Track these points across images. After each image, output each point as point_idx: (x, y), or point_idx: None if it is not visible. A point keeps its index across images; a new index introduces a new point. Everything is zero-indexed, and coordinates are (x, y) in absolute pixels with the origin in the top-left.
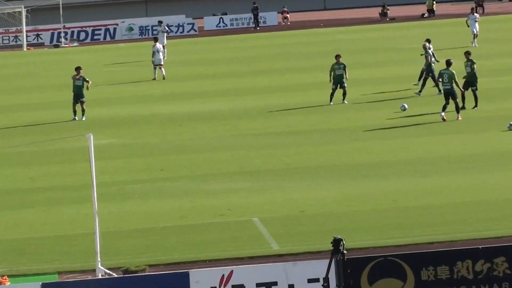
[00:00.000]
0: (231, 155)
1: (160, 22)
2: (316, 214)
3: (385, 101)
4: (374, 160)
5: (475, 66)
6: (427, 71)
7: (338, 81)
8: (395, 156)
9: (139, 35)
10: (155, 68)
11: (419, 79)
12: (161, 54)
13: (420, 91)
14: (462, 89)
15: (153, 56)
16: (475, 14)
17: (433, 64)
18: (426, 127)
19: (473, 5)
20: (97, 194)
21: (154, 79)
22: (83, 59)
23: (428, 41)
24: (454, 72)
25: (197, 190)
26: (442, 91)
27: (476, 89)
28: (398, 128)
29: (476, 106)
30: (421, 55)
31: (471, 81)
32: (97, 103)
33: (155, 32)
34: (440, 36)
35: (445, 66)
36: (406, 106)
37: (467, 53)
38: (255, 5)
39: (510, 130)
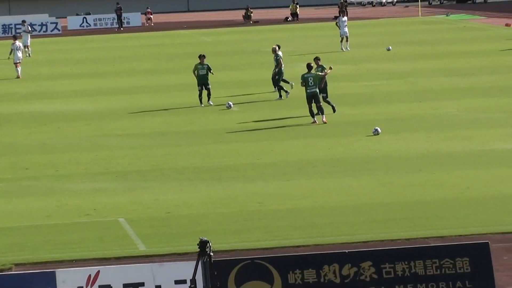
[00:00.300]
0: (96, 155)
1: (23, 22)
2: (182, 216)
3: (249, 103)
4: (240, 162)
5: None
6: (278, 74)
7: (202, 81)
8: (260, 159)
9: (2, 33)
10: (16, 66)
11: (275, 86)
12: (20, 52)
13: (286, 92)
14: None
15: (10, 53)
16: (344, 17)
17: (282, 69)
18: (291, 130)
19: (336, 9)
20: None
21: (18, 77)
22: None
23: (278, 46)
24: (317, 74)
25: (63, 190)
26: (306, 95)
27: (327, 96)
28: (263, 131)
29: (334, 110)
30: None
31: (322, 88)
32: None
33: (18, 31)
34: (304, 40)
35: (305, 71)
36: (379, 130)
37: (317, 59)
38: (119, 6)
39: (375, 134)
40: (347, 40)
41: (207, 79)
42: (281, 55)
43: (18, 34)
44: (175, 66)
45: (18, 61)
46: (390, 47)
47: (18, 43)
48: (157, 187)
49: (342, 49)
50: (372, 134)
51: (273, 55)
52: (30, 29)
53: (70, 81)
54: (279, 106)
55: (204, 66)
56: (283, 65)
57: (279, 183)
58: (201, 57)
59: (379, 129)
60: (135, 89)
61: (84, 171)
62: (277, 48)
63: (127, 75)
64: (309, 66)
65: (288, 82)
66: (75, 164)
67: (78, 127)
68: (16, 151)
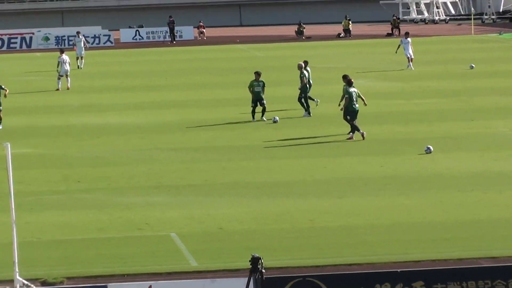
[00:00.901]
0: (149, 168)
1: (78, 33)
2: (234, 231)
3: (301, 118)
4: (292, 178)
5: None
6: (302, 91)
7: (257, 98)
8: (313, 176)
9: (55, 44)
10: (59, 79)
11: (301, 104)
12: (67, 65)
13: (308, 112)
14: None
15: (58, 66)
16: (408, 38)
17: (308, 86)
18: (343, 147)
19: (389, 26)
20: (15, 203)
21: (58, 89)
22: None
23: (306, 62)
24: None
25: (115, 203)
26: (352, 110)
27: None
28: (315, 147)
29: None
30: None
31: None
32: (14, 112)
33: (72, 42)
34: (357, 56)
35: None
36: (431, 148)
37: (346, 77)
38: (171, 19)
39: (427, 153)
40: (410, 61)
41: (262, 95)
42: (309, 71)
43: (64, 48)
44: (227, 80)
45: (63, 74)
46: (473, 65)
47: (64, 56)
48: (209, 202)
49: (411, 68)
50: (424, 153)
51: (299, 72)
52: (84, 40)
53: (122, 94)
54: (331, 122)
55: (260, 83)
56: (310, 82)
57: (331, 200)
58: (257, 74)
59: (431, 148)
60: (188, 102)
61: (136, 184)
62: (303, 64)
63: (179, 89)
64: (350, 81)
65: (314, 100)
66: (127, 178)
67: (131, 140)
68: (69, 163)
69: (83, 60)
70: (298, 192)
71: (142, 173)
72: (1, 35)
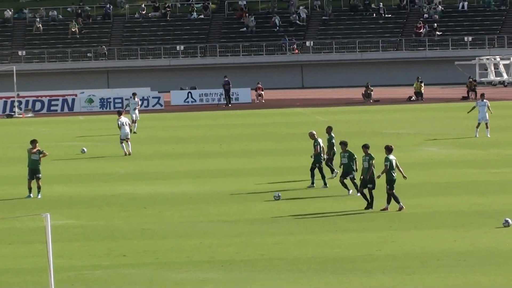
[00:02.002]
0: (200, 242)
1: (134, 95)
2: None
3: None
4: (357, 253)
5: (372, 161)
6: (315, 161)
7: (345, 170)
8: (380, 250)
9: (100, 107)
10: (121, 143)
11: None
12: (127, 127)
13: (324, 183)
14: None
15: (120, 129)
16: (484, 100)
17: (323, 155)
18: (412, 219)
19: (465, 89)
20: (54, 279)
21: (125, 154)
22: (39, 131)
23: (330, 128)
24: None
25: (164, 279)
26: (392, 179)
27: (373, 187)
28: (382, 219)
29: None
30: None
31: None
32: (54, 180)
33: (117, 105)
34: (429, 122)
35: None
36: (510, 221)
37: (365, 147)
38: (226, 79)
39: (505, 226)
40: (487, 127)
41: (351, 167)
42: (333, 137)
43: (122, 110)
44: (287, 147)
45: (124, 138)
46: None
47: (123, 118)
48: (266, 278)
49: (487, 135)
50: (503, 226)
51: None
52: (140, 103)
53: (173, 161)
54: (400, 192)
55: (346, 153)
56: (320, 151)
57: (400, 277)
58: (342, 144)
59: (510, 221)
60: (244, 171)
61: (187, 259)
62: (314, 133)
63: (235, 156)
64: (390, 148)
65: (333, 170)
66: (177, 252)
67: (181, 211)
68: (114, 235)
69: (136, 124)
70: (364, 268)
71: (193, 247)
72: (42, 96)
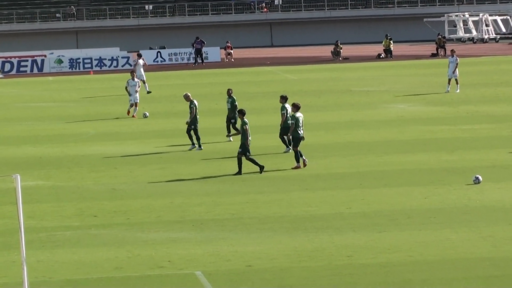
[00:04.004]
0: (171, 202)
1: (139, 55)
2: (265, 269)
3: (337, 147)
4: (327, 211)
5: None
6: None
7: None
8: (350, 208)
9: (69, 68)
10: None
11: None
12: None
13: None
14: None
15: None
16: (454, 56)
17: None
18: (382, 177)
19: (434, 45)
20: (25, 240)
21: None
22: (8, 92)
23: (285, 98)
24: None
25: (134, 239)
26: (300, 137)
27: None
28: (352, 178)
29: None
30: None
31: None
32: (24, 141)
33: (87, 66)
34: (398, 79)
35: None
36: (480, 178)
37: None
38: (199, 40)
39: (475, 183)
40: (457, 83)
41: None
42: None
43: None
44: (256, 106)
45: (133, 102)
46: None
47: (136, 79)
48: (236, 237)
49: (447, 90)
50: (472, 183)
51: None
52: (145, 62)
53: (142, 121)
54: (369, 150)
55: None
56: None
57: (370, 235)
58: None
59: (480, 177)
60: (213, 130)
61: (157, 219)
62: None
63: (204, 115)
64: (297, 106)
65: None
66: (147, 212)
67: (151, 171)
68: (84, 196)
69: (146, 84)
70: (334, 226)
71: (164, 206)
72: (10, 57)
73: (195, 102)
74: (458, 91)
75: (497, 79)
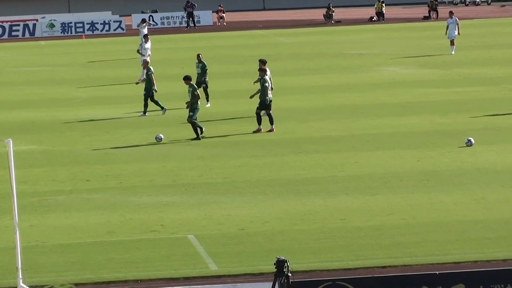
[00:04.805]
0: (163, 166)
1: (144, 20)
2: (257, 233)
3: (330, 110)
4: (320, 175)
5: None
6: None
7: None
8: (343, 171)
9: (61, 32)
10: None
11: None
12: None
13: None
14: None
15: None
16: (453, 18)
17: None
18: (375, 140)
19: (426, 8)
20: (17, 205)
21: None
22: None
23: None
24: None
25: (127, 203)
26: (266, 101)
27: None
28: (345, 141)
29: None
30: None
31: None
32: (16, 105)
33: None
34: (391, 42)
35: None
36: (472, 141)
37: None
38: (190, 3)
39: (468, 146)
40: (452, 44)
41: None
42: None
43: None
44: (249, 69)
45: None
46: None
47: (149, 43)
48: (229, 201)
49: (452, 52)
50: (465, 145)
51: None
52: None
53: (134, 85)
54: (362, 114)
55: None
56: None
57: (363, 198)
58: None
59: (472, 140)
60: (202, 94)
61: (150, 183)
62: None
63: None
64: (265, 70)
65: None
66: (140, 176)
67: (144, 135)
68: (77, 160)
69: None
70: (327, 189)
71: (156, 170)
72: (2, 22)
73: (151, 68)
74: (453, 52)
75: (490, 41)
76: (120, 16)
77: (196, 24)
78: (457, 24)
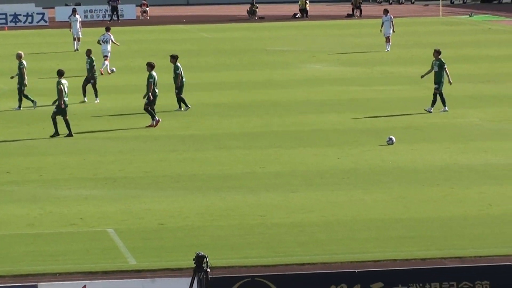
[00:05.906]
0: (84, 159)
1: (74, 11)
2: (177, 228)
3: (253, 106)
4: (241, 171)
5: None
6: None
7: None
8: (264, 168)
9: None
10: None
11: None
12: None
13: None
14: None
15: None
16: (388, 15)
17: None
18: (297, 137)
19: (350, 6)
20: None
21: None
22: None
23: (175, 57)
24: None
25: (47, 196)
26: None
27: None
28: (267, 137)
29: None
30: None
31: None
32: None
33: (1, 21)
34: (314, 39)
35: None
36: (393, 139)
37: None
38: None
39: (389, 144)
40: (388, 41)
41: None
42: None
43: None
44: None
45: (107, 54)
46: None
47: (109, 34)
48: (149, 196)
49: (387, 49)
50: (386, 144)
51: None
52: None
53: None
54: (284, 110)
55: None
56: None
57: (283, 195)
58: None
59: (393, 138)
60: (127, 87)
61: (70, 176)
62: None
63: (119, 72)
64: (153, 65)
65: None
66: (60, 169)
67: (64, 128)
68: None
69: (79, 42)
70: (247, 185)
71: (77, 164)
72: None
73: (24, 62)
74: (388, 49)
75: (412, 40)
76: (43, 8)
77: (120, 18)
78: (392, 22)
